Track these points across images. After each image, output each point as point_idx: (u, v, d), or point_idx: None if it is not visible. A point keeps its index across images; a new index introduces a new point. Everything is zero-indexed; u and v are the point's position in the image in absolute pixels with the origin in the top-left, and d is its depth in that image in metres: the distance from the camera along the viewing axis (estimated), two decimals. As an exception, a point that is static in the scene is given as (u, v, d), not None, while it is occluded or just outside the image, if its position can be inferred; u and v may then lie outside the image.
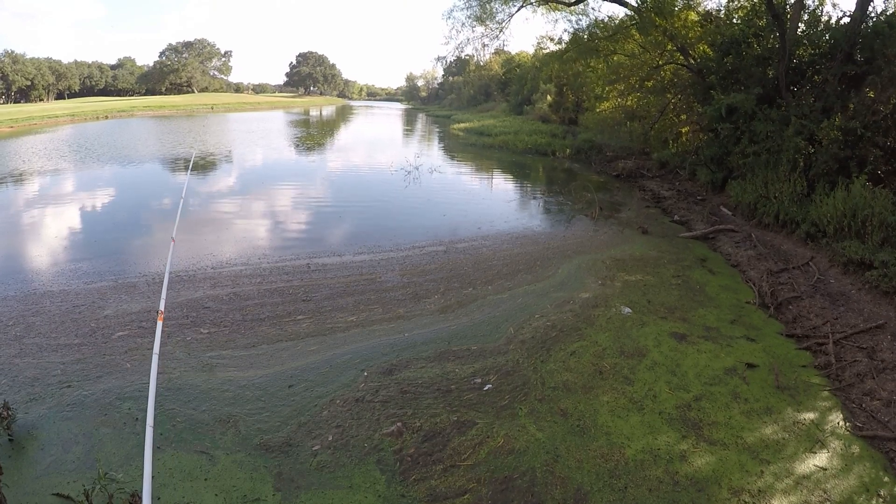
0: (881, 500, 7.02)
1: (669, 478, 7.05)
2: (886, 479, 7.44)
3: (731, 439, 7.93)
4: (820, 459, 7.65)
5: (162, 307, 6.77)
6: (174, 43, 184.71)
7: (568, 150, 43.65)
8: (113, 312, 11.87)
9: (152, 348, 9.35)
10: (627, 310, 12.43)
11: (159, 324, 6.43)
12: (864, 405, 9.09)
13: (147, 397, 8.30)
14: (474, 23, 36.07)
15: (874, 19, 19.93)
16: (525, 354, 10.19)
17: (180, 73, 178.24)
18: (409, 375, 9.31)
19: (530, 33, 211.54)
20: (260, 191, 26.47)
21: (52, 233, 18.51)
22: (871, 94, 18.13)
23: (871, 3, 19.91)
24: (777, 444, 7.90)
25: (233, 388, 8.93)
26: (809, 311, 12.75)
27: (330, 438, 7.64)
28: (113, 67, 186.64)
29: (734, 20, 26.71)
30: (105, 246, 16.99)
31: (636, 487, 6.86)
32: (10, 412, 7.71)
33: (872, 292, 12.88)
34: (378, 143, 54.99)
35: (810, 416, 8.71)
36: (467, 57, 42.54)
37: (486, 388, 8.95)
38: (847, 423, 8.57)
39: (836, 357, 10.61)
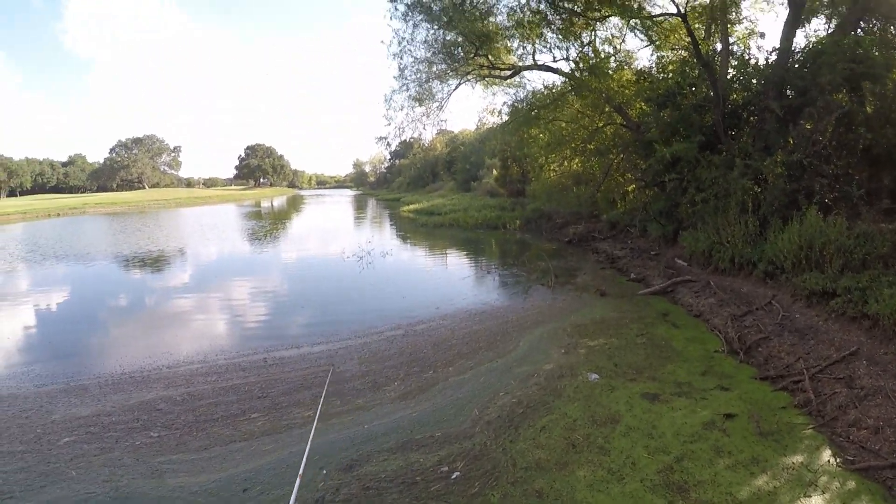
0: (886, 534, 6.58)
1: (662, 549, 6.51)
2: (888, 510, 6.99)
3: (720, 497, 7.42)
4: (816, 503, 7.20)
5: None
6: (124, 139, 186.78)
7: (518, 222, 43.92)
8: (61, 417, 11.20)
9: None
10: (595, 376, 11.96)
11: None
12: (851, 437, 8.74)
13: None
14: (413, 103, 36.26)
15: (800, 52, 20.33)
16: (492, 436, 9.61)
17: (131, 168, 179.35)
18: (371, 470, 8.68)
19: (471, 110, 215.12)
20: (216, 285, 25.83)
21: (4, 335, 17.71)
22: (809, 126, 18.29)
23: (794, 38, 20.43)
24: (769, 495, 7.43)
25: (184, 494, 8.28)
26: (780, 350, 12.45)
27: (291, 546, 6.99)
28: (64, 164, 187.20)
29: (667, 74, 27.10)
30: (59, 347, 16.30)
31: (628, 566, 6.31)
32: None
33: (840, 320, 12.62)
34: (330, 231, 54.67)
35: (798, 458, 8.29)
36: (412, 140, 42.82)
37: (453, 477, 8.34)
38: (837, 459, 8.18)
39: (815, 392, 10.27)
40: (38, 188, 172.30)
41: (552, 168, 39.38)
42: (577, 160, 36.16)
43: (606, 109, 30.75)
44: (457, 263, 29.97)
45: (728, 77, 22.95)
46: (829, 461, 8.16)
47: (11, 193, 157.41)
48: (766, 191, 18.36)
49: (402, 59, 34.97)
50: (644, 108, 28.11)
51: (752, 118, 21.96)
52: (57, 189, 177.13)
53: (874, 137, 16.82)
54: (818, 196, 16.81)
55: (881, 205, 16.09)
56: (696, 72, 24.09)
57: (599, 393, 11.14)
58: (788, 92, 19.90)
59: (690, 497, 7.47)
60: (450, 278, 25.42)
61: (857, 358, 10.98)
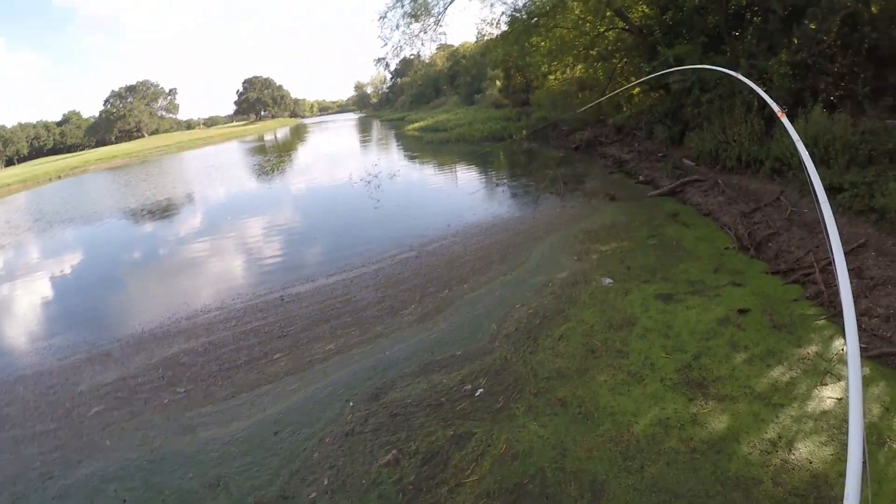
0: (905, 417, 6.71)
1: (685, 446, 6.68)
2: (904, 394, 7.12)
3: (739, 391, 7.59)
4: (833, 390, 7.36)
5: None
6: (117, 89, 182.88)
7: (524, 132, 43.39)
8: (88, 387, 11.40)
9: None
10: (608, 280, 12.06)
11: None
12: (863, 325, 8.80)
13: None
14: (409, 20, 35.58)
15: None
16: (512, 349, 9.77)
17: (128, 118, 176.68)
18: (397, 396, 8.88)
19: (470, 22, 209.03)
20: (227, 227, 25.96)
21: (22, 310, 18.00)
22: (813, 26, 17.97)
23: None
24: (787, 385, 7.59)
25: (217, 446, 8.49)
26: (790, 245, 12.49)
27: (325, 482, 7.22)
28: (59, 124, 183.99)
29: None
30: (77, 315, 16.47)
31: (653, 464, 6.48)
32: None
33: (847, 214, 12.57)
34: (336, 158, 54.75)
35: (813, 348, 8.42)
36: (412, 56, 42.15)
37: (477, 394, 8.53)
38: (851, 348, 8.23)
39: (826, 284, 10.30)
40: (36, 152, 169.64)
41: (556, 77, 38.85)
42: (579, 67, 35.59)
43: (607, 14, 30.02)
44: (465, 178, 29.91)
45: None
46: (842, 350, 8.26)
47: (9, 162, 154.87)
48: (771, 90, 18.07)
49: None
50: (646, 10, 27.57)
51: (755, 18, 21.57)
52: (55, 150, 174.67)
53: (880, 37, 16.49)
54: (823, 94, 16.59)
55: (886, 102, 15.89)
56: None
57: (614, 297, 11.27)
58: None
59: (710, 392, 7.63)
60: (459, 194, 25.43)
61: (866, 249, 11.02)
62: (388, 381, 9.40)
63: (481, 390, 8.62)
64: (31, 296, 19.50)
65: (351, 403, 8.93)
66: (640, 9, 28.47)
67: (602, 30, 31.18)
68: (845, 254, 10.65)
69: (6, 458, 9.29)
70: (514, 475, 6.71)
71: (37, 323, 16.37)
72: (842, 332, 8.66)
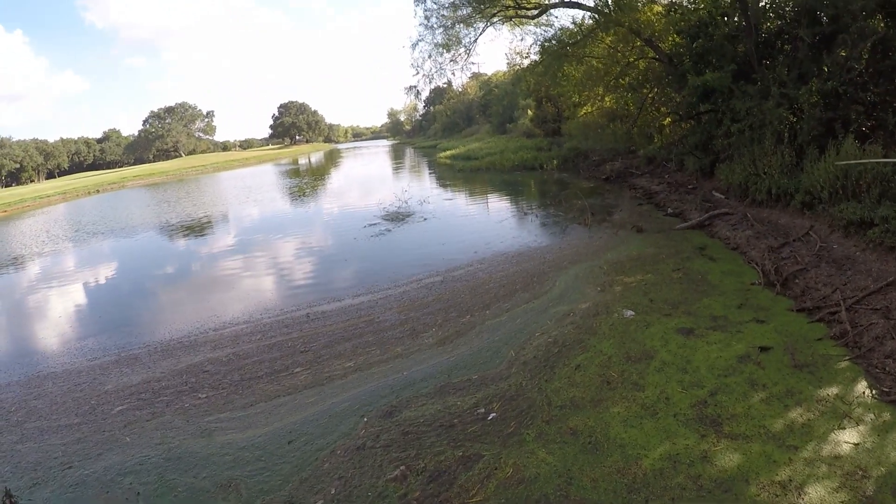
0: (924, 466, 6.57)
1: (692, 483, 6.61)
2: (925, 443, 6.97)
3: (753, 430, 7.48)
4: (851, 435, 7.20)
5: None
6: (156, 110, 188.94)
7: (555, 162, 43.79)
8: (114, 387, 11.72)
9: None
10: (630, 312, 12.00)
11: None
12: (887, 368, 8.63)
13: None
14: (440, 50, 35.77)
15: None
16: (528, 376, 9.76)
17: (166, 138, 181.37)
18: (410, 415, 8.93)
19: (502, 51, 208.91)
20: (260, 245, 26.47)
21: (57, 313, 18.56)
22: (843, 53, 17.77)
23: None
24: (803, 428, 7.45)
25: (232, 450, 8.67)
26: (817, 281, 12.33)
27: (333, 492, 7.31)
28: (99, 141, 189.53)
29: (698, 4, 26.42)
30: (110, 320, 16.99)
31: (657, 499, 6.42)
32: (13, 500, 7.65)
33: (877, 250, 12.42)
34: (369, 183, 55.27)
35: (833, 390, 8.26)
36: (444, 85, 42.47)
37: (490, 418, 8.53)
38: (873, 391, 8.11)
39: (852, 323, 10.16)
40: (76, 167, 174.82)
41: (586, 109, 38.90)
42: (610, 97, 35.56)
43: (637, 43, 30.06)
44: (495, 207, 30.10)
45: (761, 4, 22.29)
46: (864, 393, 8.11)
47: (50, 175, 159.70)
48: (801, 120, 17.94)
49: (425, 3, 34.59)
50: (676, 39, 27.49)
51: (786, 46, 21.40)
52: (94, 166, 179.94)
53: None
54: (855, 125, 16.36)
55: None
56: (728, 0, 23.48)
57: (634, 329, 11.21)
58: (824, 18, 19.31)
59: (723, 430, 7.54)
60: (488, 222, 25.53)
61: (895, 288, 10.84)
62: (404, 401, 9.47)
63: (494, 414, 8.63)
64: (67, 301, 20.08)
65: (365, 419, 9.02)
66: (670, 38, 28.33)
67: (632, 59, 31.20)
68: (874, 292, 10.56)
69: (30, 446, 9.60)
70: (518, 499, 6.71)
71: (70, 326, 16.85)
72: (864, 375, 8.55)
